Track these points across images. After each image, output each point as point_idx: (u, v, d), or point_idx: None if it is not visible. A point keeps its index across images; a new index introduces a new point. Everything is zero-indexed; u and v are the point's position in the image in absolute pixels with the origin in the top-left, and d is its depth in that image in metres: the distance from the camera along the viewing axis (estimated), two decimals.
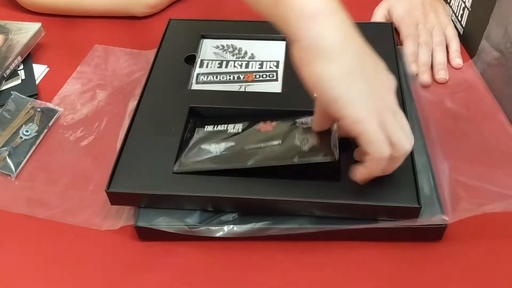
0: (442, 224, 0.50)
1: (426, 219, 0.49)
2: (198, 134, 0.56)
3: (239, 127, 0.55)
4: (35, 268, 0.51)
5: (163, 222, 0.51)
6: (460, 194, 0.53)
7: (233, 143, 0.53)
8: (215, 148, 0.53)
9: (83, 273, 0.51)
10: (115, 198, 0.52)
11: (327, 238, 0.51)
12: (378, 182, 0.49)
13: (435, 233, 0.51)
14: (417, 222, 0.49)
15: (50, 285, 0.50)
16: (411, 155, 0.52)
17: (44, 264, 0.52)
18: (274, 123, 0.54)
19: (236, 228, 0.50)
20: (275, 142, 0.52)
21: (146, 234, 0.52)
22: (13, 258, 0.52)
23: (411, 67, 0.69)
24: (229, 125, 0.56)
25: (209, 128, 0.56)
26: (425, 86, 0.68)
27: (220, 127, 0.56)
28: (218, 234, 0.50)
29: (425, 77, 0.69)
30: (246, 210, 0.51)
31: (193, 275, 0.50)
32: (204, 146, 0.54)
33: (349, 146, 0.51)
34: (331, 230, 0.50)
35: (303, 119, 0.53)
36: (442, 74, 0.70)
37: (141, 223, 0.51)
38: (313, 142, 0.50)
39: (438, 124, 0.63)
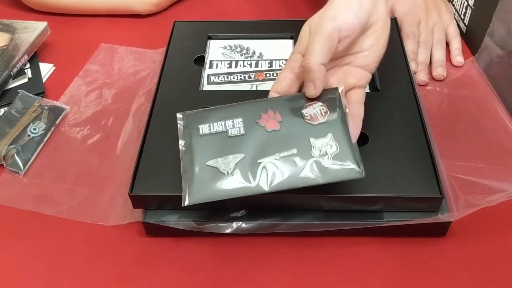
0: (446, 220, 0.50)
1: (431, 217, 0.50)
2: (194, 141, 0.49)
3: (239, 125, 0.50)
4: (43, 264, 0.52)
5: (171, 219, 0.51)
6: (462, 191, 0.54)
7: (242, 155, 0.48)
8: (224, 166, 0.47)
9: (91, 269, 0.51)
10: (138, 201, 0.51)
11: (333, 234, 0.51)
12: (397, 173, 0.49)
13: (439, 229, 0.52)
14: (422, 220, 0.50)
15: (58, 282, 0.50)
16: (428, 144, 0.53)
17: (52, 260, 0.52)
18: (278, 115, 0.50)
19: (245, 225, 0.50)
20: (291, 152, 0.48)
21: (153, 230, 0.52)
22: (21, 255, 0.53)
23: (411, 65, 0.70)
24: (226, 122, 0.50)
25: (205, 129, 0.50)
26: (422, 85, 0.69)
27: (218, 127, 0.50)
28: (227, 231, 0.50)
29: (422, 76, 0.70)
30: (271, 208, 0.51)
31: (201, 270, 0.51)
32: (210, 163, 0.48)
33: (367, 140, 0.52)
34: (337, 225, 0.50)
35: (308, 110, 0.49)
36: (439, 71, 0.70)
37: (149, 219, 0.51)
38: (332, 151, 0.47)
39: (438, 121, 0.63)
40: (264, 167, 0.47)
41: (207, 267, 0.51)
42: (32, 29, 0.76)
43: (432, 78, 0.70)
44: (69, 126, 0.66)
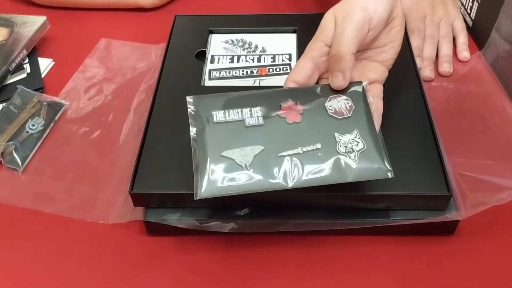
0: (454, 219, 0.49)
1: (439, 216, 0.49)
2: (209, 128, 0.46)
3: (257, 113, 0.47)
4: (41, 263, 0.51)
5: (173, 217, 0.50)
6: (470, 188, 0.53)
7: (261, 147, 0.45)
8: (241, 157, 0.44)
9: (91, 268, 0.50)
10: (139, 199, 0.50)
11: (339, 233, 0.50)
12: (403, 170, 0.49)
13: (447, 228, 0.51)
14: (429, 219, 0.49)
15: (57, 281, 0.50)
16: (436, 141, 0.52)
17: (51, 259, 0.51)
18: (299, 107, 0.47)
19: (247, 223, 0.49)
20: (315, 147, 0.45)
21: (154, 229, 0.51)
22: (20, 253, 0.52)
23: (416, 61, 0.69)
24: (243, 110, 0.47)
25: (219, 116, 0.47)
26: (427, 81, 0.68)
27: (233, 115, 0.47)
28: (230, 230, 0.49)
29: (428, 72, 0.68)
30: (280, 206, 0.50)
31: (203, 270, 0.50)
32: (226, 154, 0.45)
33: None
34: (343, 224, 0.49)
35: (332, 103, 0.47)
36: (446, 66, 0.69)
37: (150, 218, 0.50)
38: (359, 149, 0.45)
39: (444, 117, 0.62)
40: (286, 161, 0.44)
41: (210, 267, 0.50)
42: (31, 24, 0.75)
43: (438, 73, 0.69)
44: (68, 122, 0.65)
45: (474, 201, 0.51)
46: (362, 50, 0.50)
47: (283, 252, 0.51)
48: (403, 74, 0.60)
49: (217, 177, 0.44)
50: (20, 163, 0.59)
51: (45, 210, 0.55)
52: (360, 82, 0.49)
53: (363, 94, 0.48)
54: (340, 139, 0.46)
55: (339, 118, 0.47)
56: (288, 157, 0.44)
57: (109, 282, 0.49)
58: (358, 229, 0.50)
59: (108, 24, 0.82)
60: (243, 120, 0.46)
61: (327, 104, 0.48)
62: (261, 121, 0.46)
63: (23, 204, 0.56)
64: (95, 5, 0.84)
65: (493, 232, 0.51)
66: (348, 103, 0.48)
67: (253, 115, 0.47)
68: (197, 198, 0.43)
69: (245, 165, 0.44)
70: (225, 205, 0.50)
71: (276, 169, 0.44)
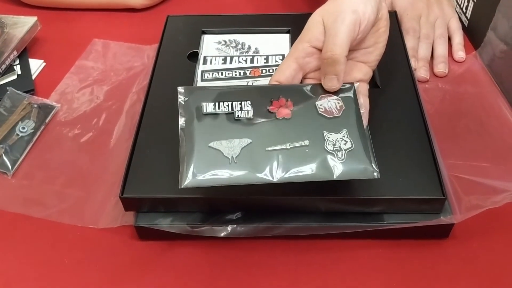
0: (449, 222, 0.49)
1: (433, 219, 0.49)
2: (198, 119, 0.46)
3: (248, 108, 0.47)
4: (31, 269, 0.50)
5: (164, 222, 0.49)
6: (465, 191, 0.52)
7: (249, 140, 0.45)
8: (228, 149, 0.44)
9: (81, 273, 0.50)
10: (130, 204, 0.50)
11: (332, 237, 0.50)
12: (397, 173, 0.48)
13: (441, 231, 0.50)
14: (423, 222, 0.48)
15: (48, 285, 0.49)
16: (430, 144, 0.52)
17: (42, 264, 0.51)
18: (289, 103, 0.47)
19: (240, 228, 0.49)
20: (303, 143, 0.45)
21: (146, 234, 0.51)
22: (10, 259, 0.51)
23: (410, 62, 0.68)
24: (234, 103, 0.47)
25: (209, 108, 0.47)
26: (422, 81, 0.67)
27: (223, 107, 0.47)
28: (222, 234, 0.49)
29: (422, 73, 0.68)
30: (274, 211, 0.50)
31: (194, 275, 0.49)
32: (213, 145, 0.45)
33: None
34: (337, 228, 0.49)
35: (322, 102, 0.47)
36: (441, 67, 0.68)
37: (141, 223, 0.50)
38: (347, 148, 0.45)
39: (440, 118, 0.62)
40: (273, 156, 0.44)
41: (201, 272, 0.49)
42: (21, 24, 0.74)
43: (434, 74, 0.69)
44: (59, 125, 0.64)
45: (469, 204, 0.51)
46: (350, 51, 0.50)
47: (276, 256, 0.50)
48: (397, 75, 0.60)
49: (203, 168, 0.43)
50: (10, 167, 0.58)
51: (34, 215, 0.54)
52: (352, 84, 0.49)
53: (354, 95, 0.48)
54: (329, 137, 0.46)
55: (329, 117, 0.47)
56: (275, 152, 0.44)
57: (100, 287, 0.49)
58: (352, 233, 0.49)
59: (100, 24, 0.81)
60: (232, 113, 0.46)
61: (318, 102, 0.48)
62: (250, 115, 0.46)
63: (12, 209, 0.55)
64: (85, 5, 0.83)
65: (488, 235, 0.51)
66: (338, 103, 0.48)
67: (243, 108, 0.47)
68: (181, 187, 0.43)
69: (232, 157, 0.44)
70: (217, 209, 0.50)
71: (262, 163, 0.44)
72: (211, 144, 0.45)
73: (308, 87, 0.48)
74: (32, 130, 0.62)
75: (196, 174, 0.43)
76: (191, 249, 0.51)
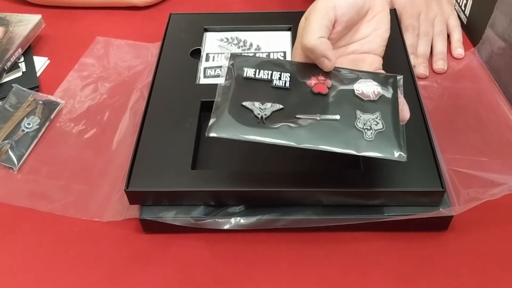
0: (448, 214, 0.50)
1: (433, 211, 0.49)
2: (237, 81, 0.48)
3: (286, 79, 0.48)
4: (37, 261, 0.51)
5: (168, 215, 0.50)
6: (463, 185, 0.53)
7: (281, 106, 0.46)
8: (260, 110, 0.46)
9: (87, 266, 0.50)
10: (134, 197, 0.50)
11: (333, 229, 0.50)
12: (397, 167, 0.49)
13: (441, 223, 0.51)
14: (423, 214, 0.49)
15: (52, 279, 0.50)
16: (429, 138, 0.52)
17: (47, 257, 0.51)
18: (328, 82, 0.48)
19: (243, 220, 0.50)
20: (333, 117, 0.46)
21: (150, 227, 0.52)
22: (15, 252, 0.52)
23: (410, 59, 0.69)
24: (273, 72, 0.48)
25: (249, 73, 0.48)
26: (421, 78, 0.68)
27: (263, 74, 0.48)
28: (225, 227, 0.49)
29: (422, 69, 0.69)
30: (276, 203, 0.50)
31: (199, 267, 0.50)
32: (247, 104, 0.46)
33: None
34: (338, 221, 0.49)
35: (360, 86, 0.48)
36: (440, 64, 0.69)
37: (146, 216, 0.50)
38: (378, 128, 0.45)
39: (439, 114, 0.62)
40: (301, 123, 0.45)
41: (205, 264, 0.50)
42: (26, 22, 0.75)
43: (433, 71, 0.69)
44: (64, 121, 0.65)
45: (468, 197, 0.52)
46: (344, 45, 0.50)
47: (279, 249, 0.51)
48: (397, 72, 0.60)
49: (231, 122, 0.45)
50: (15, 162, 0.59)
51: (40, 209, 0.55)
52: (395, 76, 0.49)
53: (394, 85, 0.48)
54: (361, 116, 0.46)
55: (365, 99, 0.47)
56: (304, 120, 0.45)
57: (105, 280, 0.49)
58: (353, 225, 0.50)
59: (104, 22, 0.82)
60: (271, 81, 0.48)
61: (356, 85, 0.48)
62: (287, 85, 0.48)
63: (18, 203, 0.56)
64: (89, 4, 0.84)
65: (487, 227, 0.52)
66: (377, 89, 0.48)
67: (281, 78, 0.48)
68: (208, 135, 0.44)
69: (262, 117, 0.45)
70: (220, 202, 0.50)
71: (289, 127, 0.45)
72: (244, 103, 0.46)
73: (347, 70, 0.49)
74: (37, 126, 0.63)
75: (223, 126, 0.45)
76: (195, 241, 0.51)
